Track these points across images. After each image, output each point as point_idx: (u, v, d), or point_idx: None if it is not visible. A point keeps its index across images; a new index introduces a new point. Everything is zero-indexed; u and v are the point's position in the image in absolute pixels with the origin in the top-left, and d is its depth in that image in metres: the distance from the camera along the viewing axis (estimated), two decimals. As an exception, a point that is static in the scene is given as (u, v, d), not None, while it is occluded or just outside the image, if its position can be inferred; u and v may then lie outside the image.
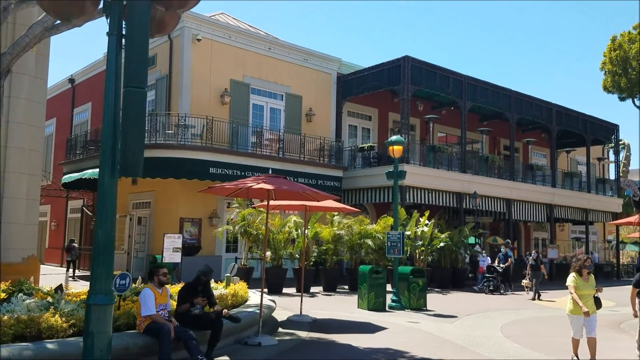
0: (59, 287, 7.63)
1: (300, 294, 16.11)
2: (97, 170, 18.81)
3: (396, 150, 13.88)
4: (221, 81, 20.13)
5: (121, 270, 6.97)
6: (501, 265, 19.43)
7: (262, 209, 16.34)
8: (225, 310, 7.30)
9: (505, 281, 19.26)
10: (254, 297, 10.90)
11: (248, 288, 15.87)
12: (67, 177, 21.70)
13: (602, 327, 11.40)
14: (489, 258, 20.24)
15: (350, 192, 22.94)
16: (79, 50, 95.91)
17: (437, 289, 19.07)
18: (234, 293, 9.52)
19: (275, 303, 10.53)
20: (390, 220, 16.29)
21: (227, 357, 7.28)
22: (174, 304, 7.20)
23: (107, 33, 4.77)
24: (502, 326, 11.30)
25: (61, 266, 25.13)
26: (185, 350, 6.49)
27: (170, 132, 18.15)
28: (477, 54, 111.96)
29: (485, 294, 18.28)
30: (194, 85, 19.42)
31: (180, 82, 19.28)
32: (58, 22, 7.06)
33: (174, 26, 5.75)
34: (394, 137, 14.13)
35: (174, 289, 8.09)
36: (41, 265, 26.21)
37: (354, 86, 23.66)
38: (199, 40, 19.30)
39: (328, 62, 23.67)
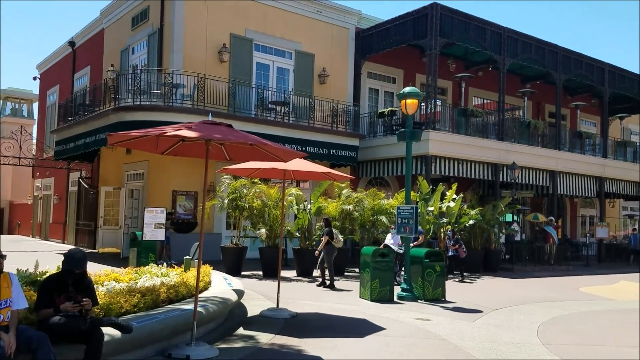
0: None
1: (300, 278, 13.95)
2: (87, 140, 16.15)
3: (409, 105, 11.21)
4: (219, 36, 17.71)
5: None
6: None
7: (255, 179, 14.13)
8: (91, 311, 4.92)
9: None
10: (220, 283, 8.72)
11: (240, 271, 13.84)
12: (58, 150, 20.07)
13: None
14: (398, 237, 12.80)
15: (369, 164, 20.33)
16: (79, 11, 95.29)
17: (464, 273, 16.37)
18: (180, 282, 7.26)
19: (238, 295, 8.22)
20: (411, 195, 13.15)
21: (120, 382, 5.02)
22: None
23: None
24: (540, 326, 8.69)
25: (63, 242, 23.67)
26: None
27: (157, 92, 15.95)
28: (516, 4, 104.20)
29: (396, 284, 11.54)
30: (187, 39, 17.08)
31: (171, 36, 16.98)
32: None
33: None
34: (407, 89, 11.43)
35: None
36: (44, 242, 25.09)
37: (374, 43, 20.79)
38: (191, -13, 16.89)
39: (346, 14, 20.86)
